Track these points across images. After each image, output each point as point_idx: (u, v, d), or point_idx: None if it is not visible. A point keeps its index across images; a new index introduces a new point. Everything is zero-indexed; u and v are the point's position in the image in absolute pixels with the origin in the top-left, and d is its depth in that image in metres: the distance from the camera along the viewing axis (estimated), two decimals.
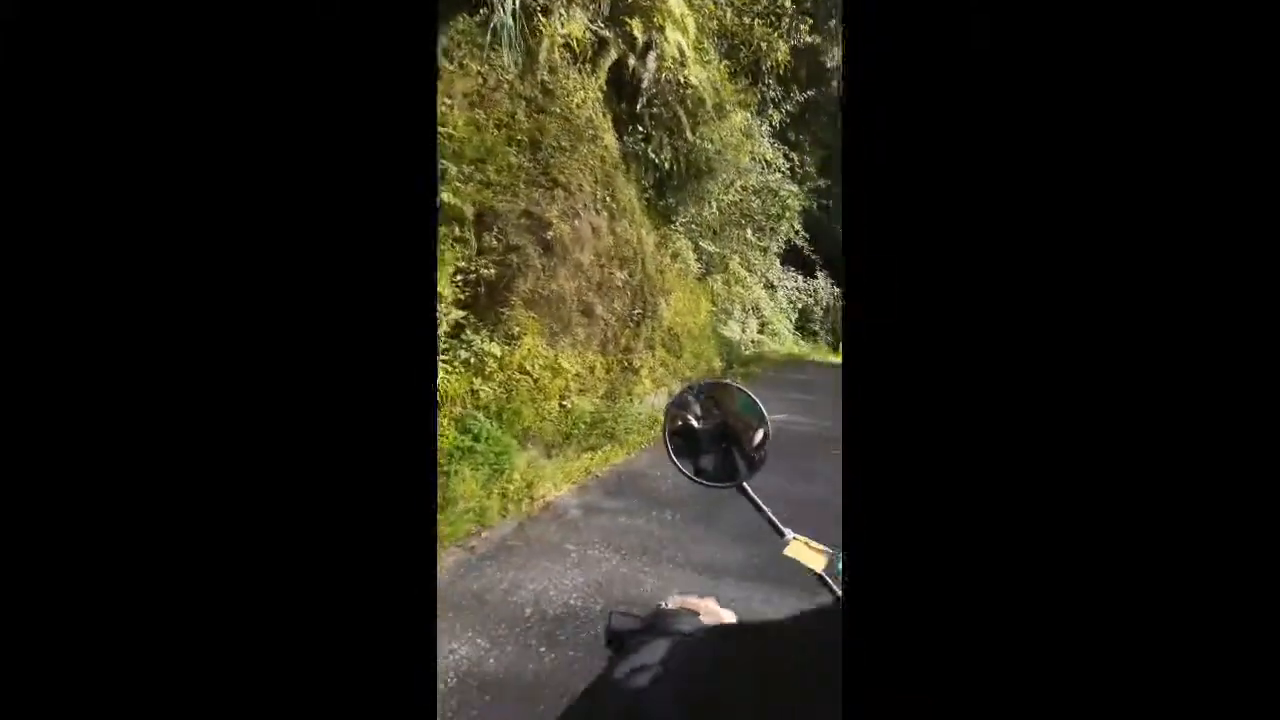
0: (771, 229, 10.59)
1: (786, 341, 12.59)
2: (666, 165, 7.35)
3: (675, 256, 8.04)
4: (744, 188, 9.53)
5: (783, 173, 10.75)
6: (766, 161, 10.47)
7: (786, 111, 10.89)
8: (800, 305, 13.56)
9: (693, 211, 8.46)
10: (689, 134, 7.63)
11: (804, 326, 13.57)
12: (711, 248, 9.14)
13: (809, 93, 11.08)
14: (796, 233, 11.30)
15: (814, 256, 12.33)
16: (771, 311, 12.73)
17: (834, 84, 12.68)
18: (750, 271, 10.58)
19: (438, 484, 3.30)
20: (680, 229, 8.33)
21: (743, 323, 11.60)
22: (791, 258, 13.57)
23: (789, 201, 10.45)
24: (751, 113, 9.72)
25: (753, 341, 11.60)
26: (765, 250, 11.07)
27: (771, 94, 10.74)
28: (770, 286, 13.16)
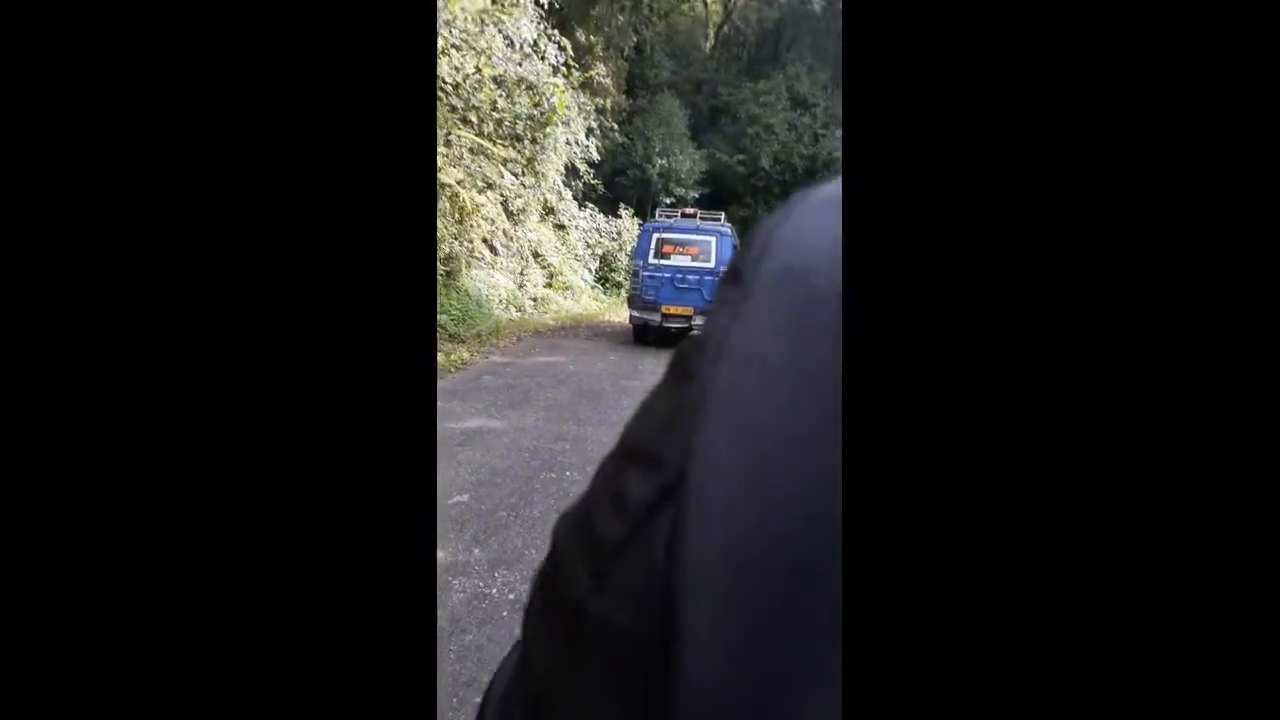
0: (534, 139, 7.57)
1: (583, 297, 9.81)
2: None
3: None
4: (478, 71, 6.47)
5: (554, 66, 7.82)
6: (535, 48, 7.49)
7: None
8: (601, 251, 10.80)
9: None
10: None
11: (607, 277, 10.82)
12: None
13: None
14: (576, 149, 8.38)
15: (598, 187, 9.47)
16: (561, 258, 9.89)
17: None
18: (501, 194, 7.45)
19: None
20: None
21: (519, 274, 8.71)
22: (609, 204, 10.79)
23: (554, 101, 7.45)
24: None
25: (533, 300, 8.75)
26: (537, 175, 8.10)
27: None
28: (561, 227, 10.34)
